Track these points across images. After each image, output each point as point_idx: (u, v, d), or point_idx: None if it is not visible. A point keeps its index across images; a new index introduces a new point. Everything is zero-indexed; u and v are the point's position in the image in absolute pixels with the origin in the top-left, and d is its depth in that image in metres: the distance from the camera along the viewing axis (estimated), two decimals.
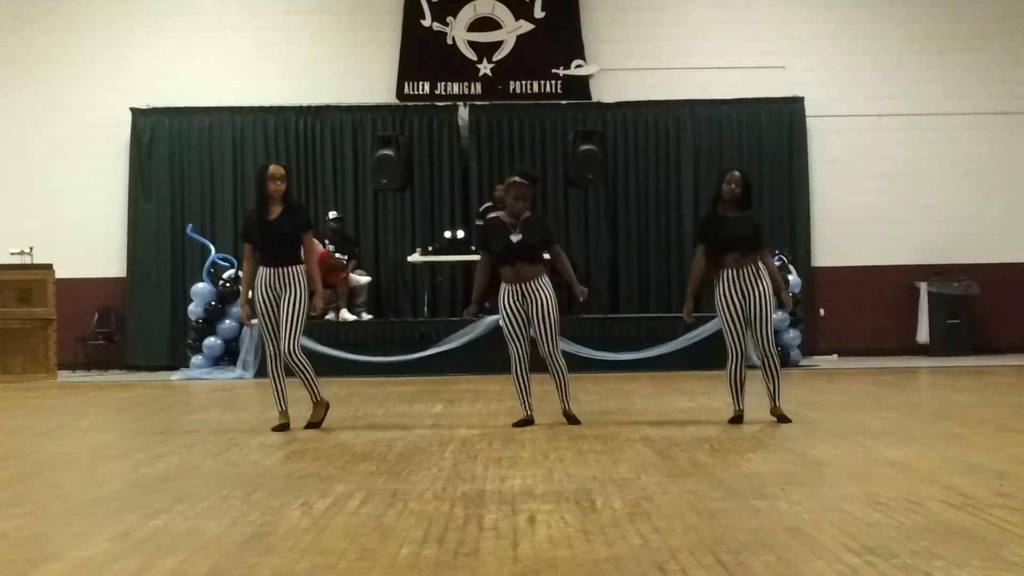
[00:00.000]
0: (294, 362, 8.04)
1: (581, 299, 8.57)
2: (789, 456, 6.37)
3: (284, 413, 8.21)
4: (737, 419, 8.03)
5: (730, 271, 7.94)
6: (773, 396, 8.07)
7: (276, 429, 8.09)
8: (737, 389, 8.08)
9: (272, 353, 8.16)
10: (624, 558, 3.85)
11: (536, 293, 8.02)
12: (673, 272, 16.78)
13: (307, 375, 8.12)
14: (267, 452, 6.98)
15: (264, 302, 8.07)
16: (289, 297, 8.01)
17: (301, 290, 8.06)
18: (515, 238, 8.05)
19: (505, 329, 8.14)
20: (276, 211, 8.11)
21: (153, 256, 16.90)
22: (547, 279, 8.14)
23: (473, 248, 15.51)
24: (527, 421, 8.13)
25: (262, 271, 8.11)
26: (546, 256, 8.35)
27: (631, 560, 3.82)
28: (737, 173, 8.11)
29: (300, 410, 8.39)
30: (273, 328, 8.07)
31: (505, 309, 8.08)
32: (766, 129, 16.96)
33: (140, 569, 3.83)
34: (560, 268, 8.48)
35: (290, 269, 8.07)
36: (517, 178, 8.35)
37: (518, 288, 8.03)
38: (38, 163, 17.00)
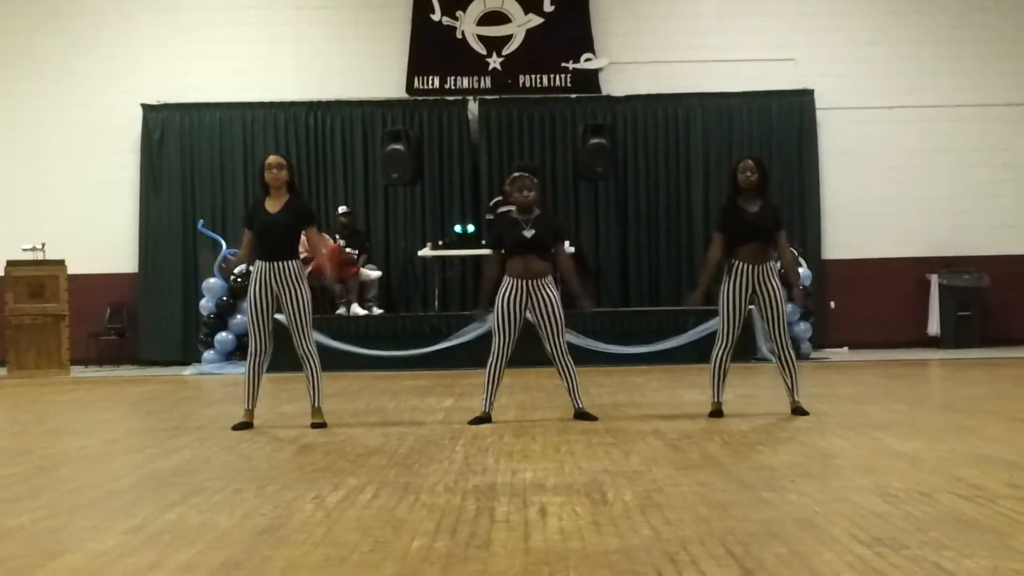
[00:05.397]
0: (307, 359, 7.91)
1: (587, 311, 8.52)
2: (799, 448, 6.38)
3: (250, 412, 7.98)
4: (716, 413, 7.97)
5: (745, 265, 7.90)
6: (792, 391, 8.06)
7: (237, 427, 7.86)
8: (719, 380, 8.03)
9: (254, 350, 7.91)
10: (635, 549, 3.87)
11: (542, 292, 7.93)
12: (683, 265, 16.80)
13: (315, 376, 7.95)
14: (279, 446, 7.00)
15: (258, 297, 7.86)
16: (290, 295, 7.84)
17: (301, 286, 7.88)
18: (528, 234, 7.98)
19: (496, 323, 7.98)
20: (278, 205, 7.98)
21: (165, 252, 16.97)
22: (552, 279, 8.08)
23: (484, 243, 15.53)
24: (485, 419, 7.94)
25: (259, 264, 7.93)
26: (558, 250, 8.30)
27: (642, 551, 3.84)
28: (751, 161, 8.00)
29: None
30: (263, 324, 7.90)
31: (503, 305, 7.93)
32: (776, 122, 16.95)
33: (154, 562, 3.85)
34: (565, 273, 8.35)
35: (287, 264, 7.89)
36: (517, 173, 8.35)
37: (523, 285, 7.92)
38: (50, 160, 17.06)
